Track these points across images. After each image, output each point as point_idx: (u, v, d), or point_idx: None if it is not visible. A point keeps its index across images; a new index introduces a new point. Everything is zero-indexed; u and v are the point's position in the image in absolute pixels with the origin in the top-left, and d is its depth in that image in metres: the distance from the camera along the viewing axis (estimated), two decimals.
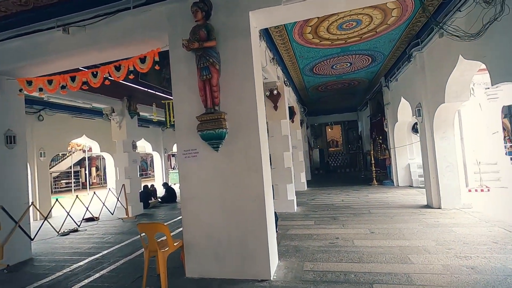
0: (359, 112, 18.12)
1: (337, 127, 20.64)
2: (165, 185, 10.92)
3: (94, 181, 26.48)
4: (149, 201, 9.78)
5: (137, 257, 4.67)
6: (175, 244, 3.54)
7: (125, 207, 7.92)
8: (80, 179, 23.19)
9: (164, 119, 9.46)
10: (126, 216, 7.87)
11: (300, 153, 11.03)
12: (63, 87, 4.56)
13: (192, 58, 3.59)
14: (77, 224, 6.87)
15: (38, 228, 6.23)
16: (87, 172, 20.71)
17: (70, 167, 21.25)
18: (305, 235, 5.09)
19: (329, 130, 20.70)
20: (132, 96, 8.70)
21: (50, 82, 4.63)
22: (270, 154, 6.23)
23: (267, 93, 7.05)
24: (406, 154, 9.98)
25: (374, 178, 10.74)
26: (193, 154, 3.70)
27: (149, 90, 9.64)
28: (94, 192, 7.59)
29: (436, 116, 6.15)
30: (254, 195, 3.45)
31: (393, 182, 10.23)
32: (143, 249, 4.89)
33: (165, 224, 3.82)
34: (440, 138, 6.27)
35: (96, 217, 7.62)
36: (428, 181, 6.57)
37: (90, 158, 23.84)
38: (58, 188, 22.29)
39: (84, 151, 24.40)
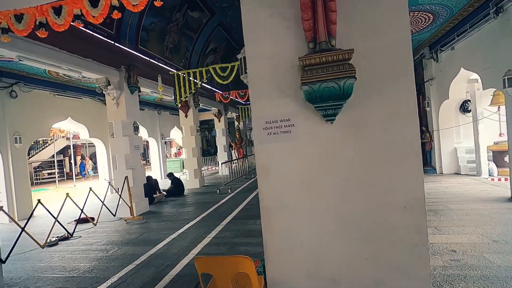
0: None
1: None
2: (171, 175, 9.26)
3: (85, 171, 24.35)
4: (154, 196, 8.14)
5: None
6: None
7: (129, 205, 6.26)
8: (64, 169, 21.03)
9: (173, 98, 7.71)
10: (131, 217, 6.23)
11: None
12: (41, 25, 2.82)
13: None
14: (67, 231, 5.18)
15: (14, 241, 4.56)
16: (72, 161, 18.62)
17: (53, 156, 19.07)
18: None
19: None
20: (131, 66, 6.88)
21: (19, 18, 2.88)
22: None
23: None
24: (452, 138, 8.69)
25: None
26: (285, 128, 2.11)
27: (151, 60, 7.82)
28: (90, 188, 5.82)
29: None
30: (405, 201, 1.92)
31: (435, 170, 8.96)
32: (171, 272, 3.34)
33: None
34: None
35: (92, 219, 5.93)
36: None
37: (74, 147, 21.66)
38: (39, 180, 20.12)
39: (67, 139, 22.16)
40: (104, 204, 5.77)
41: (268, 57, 2.13)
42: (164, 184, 10.80)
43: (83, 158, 25.92)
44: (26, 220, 4.45)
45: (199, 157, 10.63)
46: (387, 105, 1.94)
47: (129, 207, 6.23)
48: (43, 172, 21.67)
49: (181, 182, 9.19)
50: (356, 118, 1.99)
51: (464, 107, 8.52)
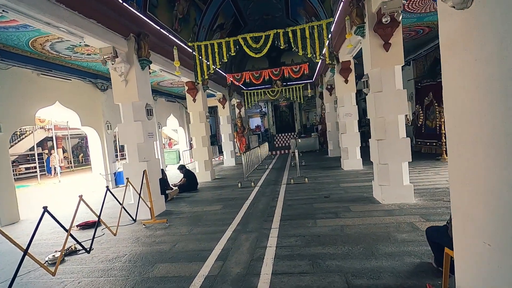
0: None
1: None
2: (183, 168, 8.06)
3: (62, 164, 22.39)
4: (166, 192, 6.97)
5: None
6: None
7: (149, 205, 5.08)
8: (51, 163, 19.05)
9: (194, 74, 6.45)
10: (152, 220, 5.06)
11: (354, 122, 8.67)
12: None
13: None
14: (82, 246, 3.89)
15: (16, 268, 3.32)
16: (56, 154, 16.81)
17: (32, 148, 17.15)
18: None
19: None
20: (142, 35, 5.57)
21: None
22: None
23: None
24: None
25: (444, 152, 8.77)
26: None
27: (161, 30, 6.52)
28: (107, 187, 4.48)
29: None
30: None
31: None
32: None
33: None
34: None
35: (99, 223, 4.69)
36: None
37: (56, 138, 19.67)
38: (16, 175, 18.15)
39: (47, 130, 20.10)
40: (124, 207, 4.54)
41: None
42: (173, 177, 9.60)
43: (64, 151, 23.88)
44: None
45: (209, 147, 9.46)
46: None
47: (149, 208, 5.05)
48: (20, 166, 19.65)
49: (195, 175, 8.04)
50: None
51: None
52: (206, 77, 6.07)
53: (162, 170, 7.65)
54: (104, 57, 5.03)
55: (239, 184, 7.61)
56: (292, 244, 3.60)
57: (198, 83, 6.52)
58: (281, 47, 5.62)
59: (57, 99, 8.06)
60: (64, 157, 23.43)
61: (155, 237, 4.43)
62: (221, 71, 11.12)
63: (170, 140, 26.63)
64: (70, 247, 4.18)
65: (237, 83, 10.07)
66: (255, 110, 21.47)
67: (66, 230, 3.25)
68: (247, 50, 5.64)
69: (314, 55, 5.60)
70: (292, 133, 19.36)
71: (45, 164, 18.38)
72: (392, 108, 4.83)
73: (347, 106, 8.62)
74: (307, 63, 9.84)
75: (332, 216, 4.53)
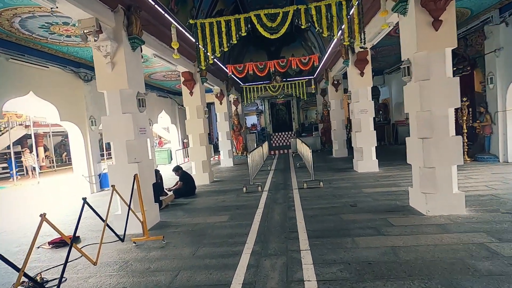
0: (386, 75, 15.33)
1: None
2: (178, 169, 7.02)
3: (43, 164, 20.90)
4: (160, 198, 5.94)
5: None
6: None
7: (141, 220, 4.05)
8: (24, 163, 17.53)
9: (197, 58, 5.44)
10: (144, 237, 4.03)
11: (370, 119, 7.85)
12: None
13: None
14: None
15: None
16: (30, 153, 15.39)
17: (8, 147, 15.64)
18: None
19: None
20: (133, 8, 4.54)
21: None
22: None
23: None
24: None
25: (466, 153, 8.05)
26: None
27: (156, 6, 5.50)
28: (85, 199, 3.35)
29: None
30: None
31: (497, 158, 7.61)
32: None
33: None
34: None
35: (74, 239, 3.65)
36: None
37: (35, 136, 18.16)
38: None
39: (26, 126, 18.54)
40: (108, 225, 3.49)
41: None
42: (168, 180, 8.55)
43: (46, 149, 22.32)
44: None
45: (207, 146, 8.45)
46: None
47: (141, 222, 4.03)
48: None
49: (192, 178, 7.03)
50: None
51: None
52: (211, 61, 5.08)
53: (157, 171, 6.65)
54: (84, 31, 3.98)
55: (244, 189, 6.65)
56: (338, 277, 2.67)
57: (202, 69, 5.47)
58: (302, 27, 4.70)
59: (30, 89, 6.89)
60: (45, 156, 21.89)
61: (149, 261, 3.43)
62: (219, 63, 10.11)
63: (160, 138, 25.41)
64: (35, 276, 3.14)
65: (239, 75, 9.11)
66: (252, 108, 20.52)
67: (70, 245, 2.22)
68: (260, 29, 4.69)
69: (342, 37, 4.71)
70: (290, 132, 18.51)
71: (13, 164, 15.84)
72: (442, 100, 3.98)
73: (362, 102, 7.78)
74: (318, 55, 8.98)
75: (373, 233, 3.64)
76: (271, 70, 9.03)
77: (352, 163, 8.61)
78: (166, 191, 6.68)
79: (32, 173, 16.48)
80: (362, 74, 7.72)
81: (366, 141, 7.81)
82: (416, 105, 4.15)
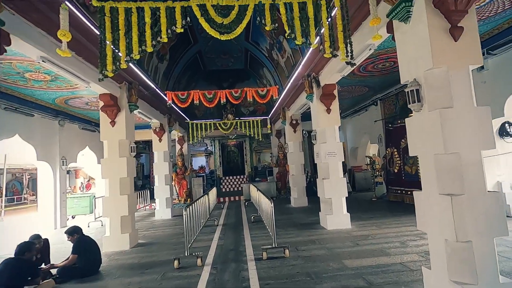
0: (341, 120, 14.97)
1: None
2: (74, 232, 4.51)
3: None
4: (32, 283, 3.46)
5: None
6: None
7: None
8: None
9: (99, 60, 3.48)
10: None
11: (339, 163, 6.56)
12: None
13: None
14: None
15: None
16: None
17: None
18: None
19: None
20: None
21: None
22: None
23: None
24: (492, 169, 6.73)
25: None
26: None
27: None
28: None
29: None
30: None
31: None
32: None
33: None
34: None
35: None
36: None
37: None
38: None
39: None
40: None
41: None
42: (59, 247, 5.82)
43: None
44: None
45: (131, 195, 6.11)
46: None
47: None
48: None
49: (96, 247, 4.61)
50: None
51: (506, 131, 6.76)
52: (124, 65, 3.20)
53: (39, 236, 4.27)
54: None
55: (176, 262, 4.47)
56: None
57: (107, 76, 3.40)
58: (266, 28, 3.28)
59: (17, 132, 6.68)
60: None
61: None
62: (159, 91, 8.28)
63: (89, 180, 21.48)
64: None
65: (182, 105, 7.36)
66: (200, 148, 18.56)
67: None
68: (205, 25, 3.10)
69: (322, 47, 3.39)
70: (242, 176, 16.95)
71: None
72: (472, 138, 2.69)
73: (330, 143, 6.52)
74: (277, 87, 7.81)
75: None
76: (221, 101, 7.49)
77: (316, 216, 7.08)
78: (45, 270, 4.14)
79: None
80: (328, 111, 6.60)
81: (335, 190, 6.39)
82: (434, 144, 2.80)
